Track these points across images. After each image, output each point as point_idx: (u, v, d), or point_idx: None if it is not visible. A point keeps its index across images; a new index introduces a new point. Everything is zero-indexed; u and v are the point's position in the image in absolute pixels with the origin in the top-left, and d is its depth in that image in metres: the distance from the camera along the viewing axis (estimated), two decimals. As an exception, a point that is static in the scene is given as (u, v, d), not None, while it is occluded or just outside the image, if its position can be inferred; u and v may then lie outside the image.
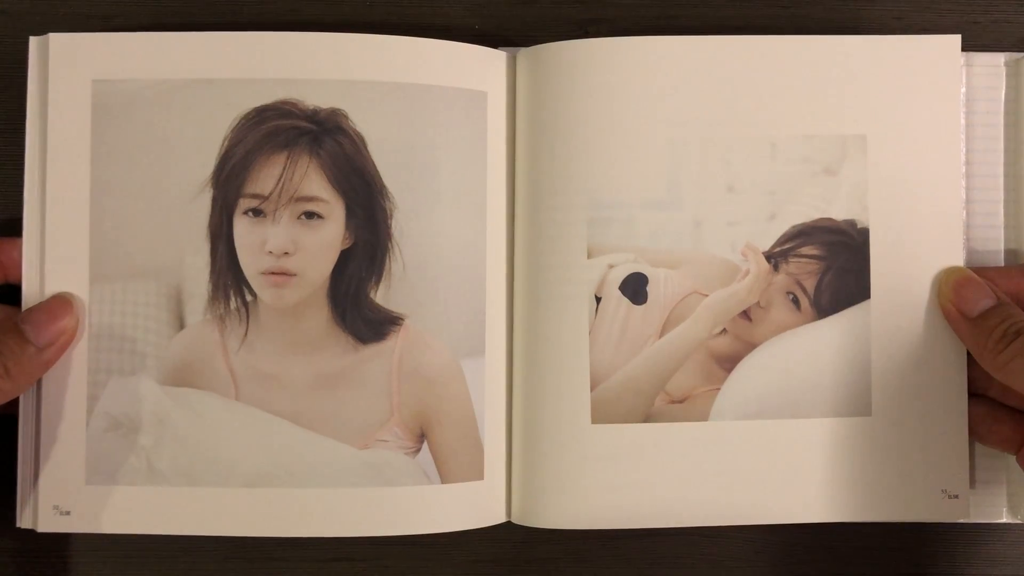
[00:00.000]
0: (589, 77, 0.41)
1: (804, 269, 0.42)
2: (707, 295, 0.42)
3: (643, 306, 0.41)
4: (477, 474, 0.41)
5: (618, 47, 0.41)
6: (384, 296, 0.41)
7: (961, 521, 0.41)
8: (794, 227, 0.41)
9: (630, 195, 0.41)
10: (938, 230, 0.41)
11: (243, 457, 0.40)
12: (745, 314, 0.42)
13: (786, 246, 0.42)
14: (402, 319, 0.41)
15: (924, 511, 0.41)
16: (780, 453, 0.41)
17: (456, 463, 0.41)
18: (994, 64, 0.43)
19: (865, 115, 0.41)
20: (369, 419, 0.41)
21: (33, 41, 0.40)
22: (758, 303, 0.42)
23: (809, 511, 0.41)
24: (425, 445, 0.41)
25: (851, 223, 0.41)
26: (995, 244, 0.43)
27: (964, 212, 0.42)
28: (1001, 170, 0.43)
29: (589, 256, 0.41)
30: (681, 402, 0.41)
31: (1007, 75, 0.43)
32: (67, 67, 0.40)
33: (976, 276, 0.41)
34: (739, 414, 0.41)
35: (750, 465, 0.41)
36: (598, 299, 0.41)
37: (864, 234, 0.41)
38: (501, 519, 0.42)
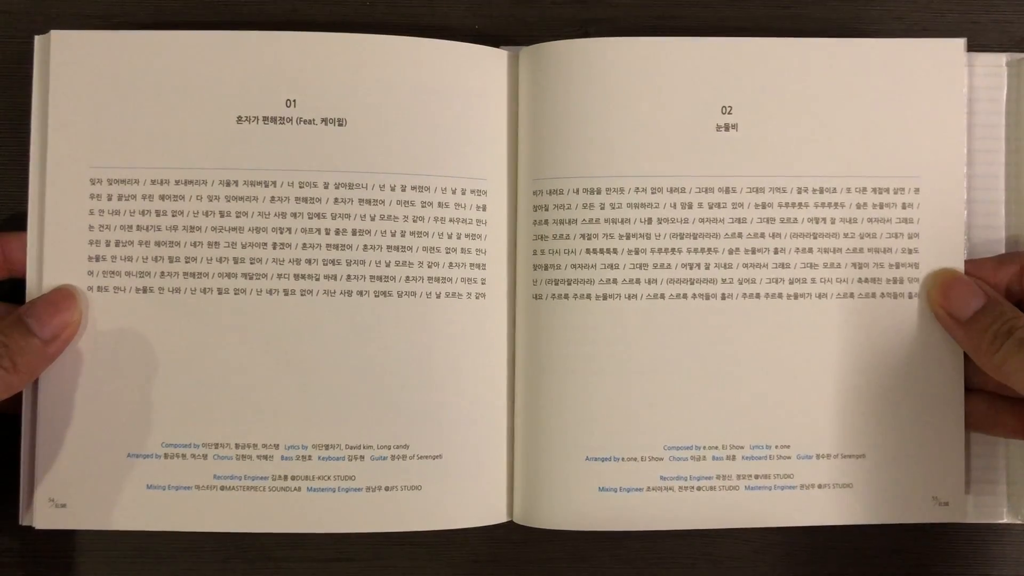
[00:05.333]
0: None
1: None
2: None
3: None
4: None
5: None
6: (383, 295, 0.41)
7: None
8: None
9: (633, 195, 0.41)
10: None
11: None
12: None
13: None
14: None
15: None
16: None
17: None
18: (996, 64, 0.43)
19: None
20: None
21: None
22: None
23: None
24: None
25: None
26: (995, 244, 0.43)
27: (965, 212, 0.42)
28: (1002, 170, 0.43)
29: (591, 253, 0.41)
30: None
31: (1008, 75, 0.43)
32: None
33: (963, 276, 0.40)
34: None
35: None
36: (601, 296, 0.41)
37: None
38: (502, 519, 0.41)
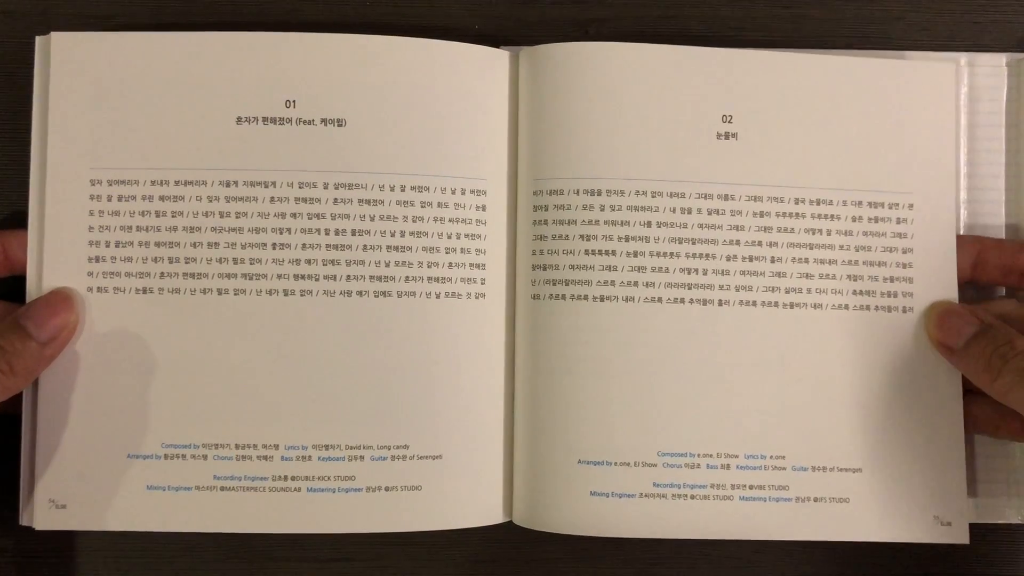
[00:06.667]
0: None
1: None
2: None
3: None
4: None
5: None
6: (383, 296, 0.41)
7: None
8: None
9: (632, 196, 0.41)
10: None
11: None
12: None
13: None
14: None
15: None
16: None
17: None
18: (996, 64, 0.43)
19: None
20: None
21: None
22: None
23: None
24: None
25: None
26: (995, 244, 0.43)
27: (964, 213, 0.43)
28: (1002, 170, 0.43)
29: (590, 255, 0.41)
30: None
31: (1008, 75, 0.43)
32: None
33: (956, 306, 0.40)
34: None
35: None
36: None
37: None
38: (501, 519, 0.42)
